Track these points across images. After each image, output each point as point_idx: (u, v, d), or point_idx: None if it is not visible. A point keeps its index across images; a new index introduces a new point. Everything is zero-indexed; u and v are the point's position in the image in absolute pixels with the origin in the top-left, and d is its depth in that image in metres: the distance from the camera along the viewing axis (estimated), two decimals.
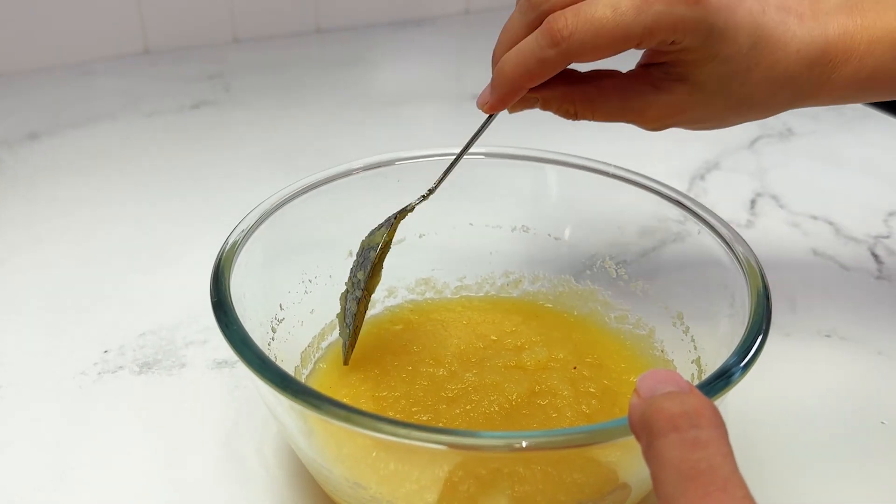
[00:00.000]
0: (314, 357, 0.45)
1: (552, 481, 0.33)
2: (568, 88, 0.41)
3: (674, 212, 0.45)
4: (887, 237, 0.63)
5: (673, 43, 0.38)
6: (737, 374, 0.32)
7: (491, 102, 0.40)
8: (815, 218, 0.65)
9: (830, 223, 0.65)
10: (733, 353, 0.34)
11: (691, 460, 0.23)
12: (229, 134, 0.80)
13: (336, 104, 0.87)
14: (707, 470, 0.23)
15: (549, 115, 0.87)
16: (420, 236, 0.49)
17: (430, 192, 0.44)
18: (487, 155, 0.49)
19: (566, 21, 0.36)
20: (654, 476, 0.24)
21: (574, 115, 0.42)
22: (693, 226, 0.44)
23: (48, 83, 0.90)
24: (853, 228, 0.64)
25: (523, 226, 0.50)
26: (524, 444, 0.28)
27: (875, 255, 0.61)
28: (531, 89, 0.40)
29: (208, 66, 0.95)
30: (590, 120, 0.42)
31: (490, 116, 0.42)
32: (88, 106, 0.85)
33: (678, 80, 0.40)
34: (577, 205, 0.48)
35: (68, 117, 0.82)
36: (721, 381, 0.32)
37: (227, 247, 0.39)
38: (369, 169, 0.47)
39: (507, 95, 0.40)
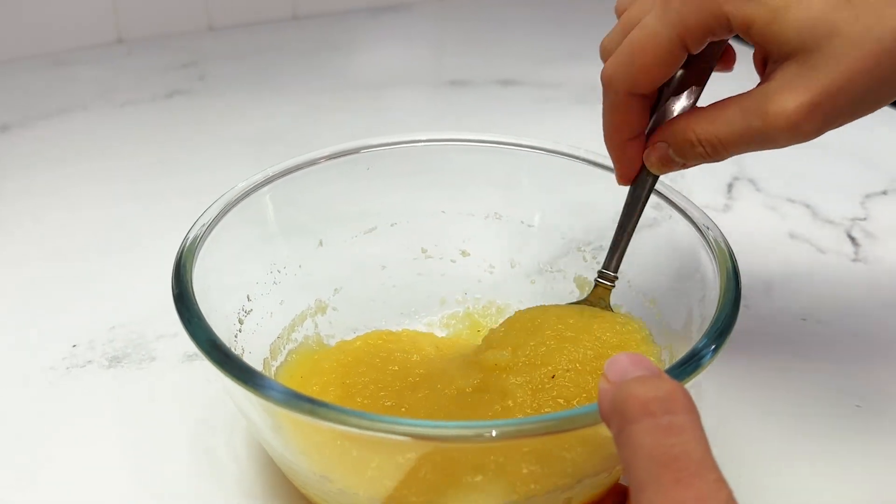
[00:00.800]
0: (285, 348, 0.44)
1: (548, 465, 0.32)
2: (686, 116, 0.37)
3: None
4: (864, 220, 0.63)
5: (730, 28, 0.33)
6: (707, 357, 0.32)
7: (617, 176, 0.40)
8: (792, 201, 0.65)
9: (807, 206, 0.65)
10: (703, 335, 0.33)
11: (664, 445, 0.23)
12: (204, 124, 0.79)
13: (314, 92, 0.86)
14: (681, 455, 0.23)
15: (525, 101, 0.87)
16: (392, 225, 0.49)
17: (606, 277, 0.43)
18: (459, 141, 0.48)
19: (608, 61, 0.37)
20: (626, 462, 0.24)
21: (701, 147, 0.36)
22: (666, 211, 0.43)
23: (19, 74, 0.89)
24: (830, 211, 0.64)
25: (496, 213, 0.49)
26: (493, 434, 0.28)
27: (852, 238, 0.61)
28: (652, 138, 0.38)
29: (182, 54, 0.94)
30: (719, 149, 0.35)
31: (638, 185, 0.40)
32: (60, 97, 0.83)
33: (783, 58, 0.33)
34: (550, 191, 0.48)
35: (40, 109, 0.81)
36: (691, 364, 0.32)
37: (190, 237, 0.38)
38: (336, 157, 0.46)
39: (618, 162, 0.40)
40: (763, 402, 0.46)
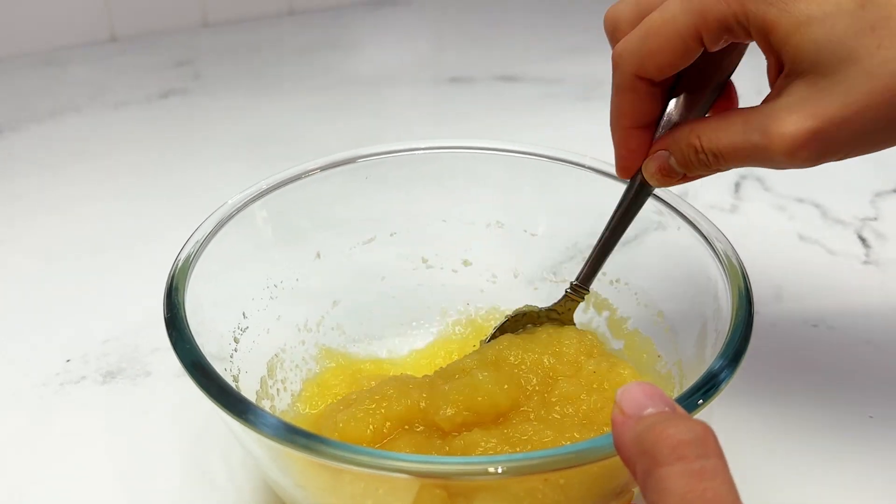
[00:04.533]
0: (284, 366, 0.43)
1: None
2: (690, 123, 0.35)
3: (651, 205, 0.43)
4: (875, 219, 0.62)
5: (747, 30, 0.32)
6: (724, 380, 0.31)
7: (617, 168, 0.38)
8: (800, 201, 0.64)
9: (817, 206, 0.63)
10: (718, 356, 0.32)
11: (697, 490, 0.22)
12: (200, 124, 0.78)
13: (311, 90, 0.84)
14: (714, 499, 0.22)
15: (526, 97, 0.85)
16: (391, 234, 0.47)
17: (578, 291, 0.41)
18: (459, 148, 0.47)
19: (622, 40, 0.35)
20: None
21: (703, 155, 0.34)
22: (671, 219, 0.42)
23: (9, 74, 0.87)
24: (840, 211, 0.62)
25: (498, 221, 0.48)
26: (500, 470, 0.27)
27: (862, 239, 0.59)
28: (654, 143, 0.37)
29: (177, 52, 0.92)
30: (719, 159, 0.34)
31: (632, 187, 0.38)
32: (52, 98, 0.82)
33: (795, 74, 0.32)
34: (553, 198, 0.47)
35: (31, 111, 0.79)
36: (709, 388, 0.31)
37: (182, 257, 0.37)
38: (333, 167, 0.44)
39: (618, 150, 0.37)
40: (772, 413, 0.44)
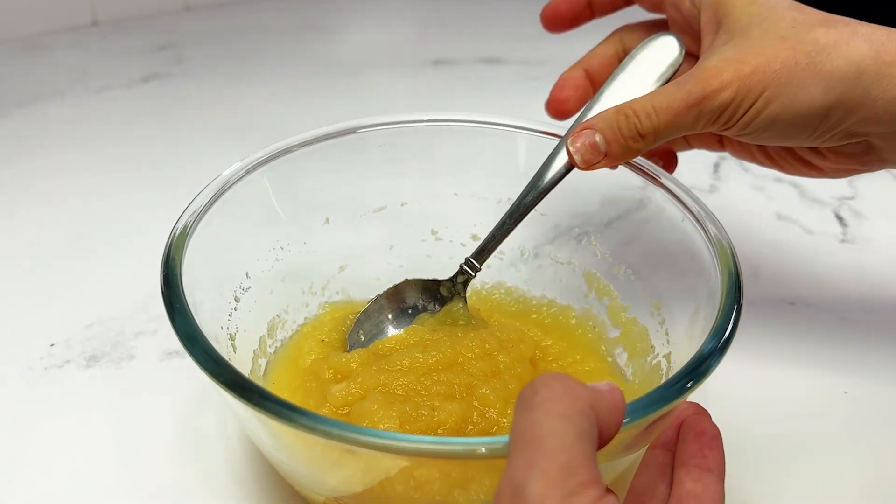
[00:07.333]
0: (286, 326, 0.44)
1: None
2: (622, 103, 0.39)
3: (640, 184, 0.43)
4: (852, 198, 0.62)
5: None
6: (714, 364, 0.32)
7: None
8: (779, 180, 0.65)
9: (795, 185, 0.64)
10: (708, 337, 0.33)
11: (517, 424, 0.24)
12: (182, 109, 0.77)
13: (294, 75, 0.84)
14: (526, 428, 0.24)
15: (509, 79, 0.84)
16: (402, 204, 0.48)
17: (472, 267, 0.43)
18: (479, 123, 0.47)
19: None
20: None
21: (636, 119, 0.37)
22: (675, 210, 0.42)
23: None
24: (818, 190, 0.63)
25: (509, 198, 0.47)
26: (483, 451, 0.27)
27: (840, 218, 0.60)
28: None
29: (159, 36, 0.92)
30: (653, 119, 0.37)
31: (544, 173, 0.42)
32: (34, 83, 0.81)
33: (724, 41, 0.38)
34: (566, 180, 0.46)
35: (12, 95, 0.79)
36: (700, 370, 0.32)
37: (187, 215, 0.38)
38: (348, 133, 0.45)
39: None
40: (748, 390, 0.45)
